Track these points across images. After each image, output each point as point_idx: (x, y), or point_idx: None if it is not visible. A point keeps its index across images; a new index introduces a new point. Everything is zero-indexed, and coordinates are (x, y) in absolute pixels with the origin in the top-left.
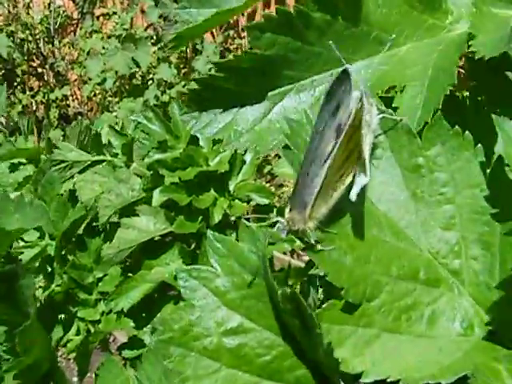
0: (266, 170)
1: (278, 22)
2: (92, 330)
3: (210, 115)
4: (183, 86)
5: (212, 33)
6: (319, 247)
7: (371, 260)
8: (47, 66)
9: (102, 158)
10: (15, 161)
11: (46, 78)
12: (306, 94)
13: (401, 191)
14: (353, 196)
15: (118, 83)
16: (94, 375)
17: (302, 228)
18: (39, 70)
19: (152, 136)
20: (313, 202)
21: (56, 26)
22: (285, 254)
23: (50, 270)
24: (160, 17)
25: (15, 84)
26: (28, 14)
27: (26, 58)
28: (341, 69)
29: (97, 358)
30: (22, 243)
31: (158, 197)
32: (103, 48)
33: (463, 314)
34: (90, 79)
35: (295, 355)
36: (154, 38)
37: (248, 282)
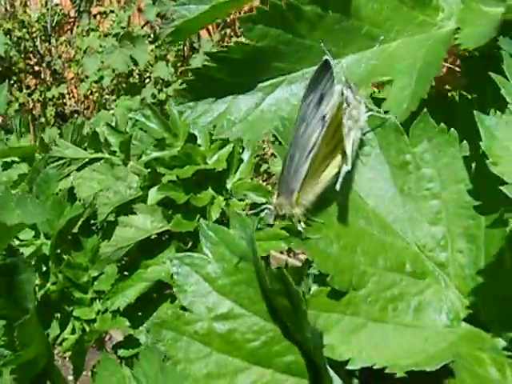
0: (262, 169)
1: (269, 15)
2: (87, 329)
3: (204, 105)
4: (180, 85)
5: (209, 31)
6: (306, 235)
7: (358, 251)
8: (44, 64)
9: (99, 155)
10: (8, 159)
11: (42, 76)
12: (298, 86)
13: (389, 187)
14: (337, 185)
15: (115, 81)
16: (90, 373)
17: (288, 213)
18: (36, 68)
19: (150, 134)
20: (299, 188)
21: (53, 25)
22: (282, 253)
23: (45, 268)
24: (158, 15)
25: (12, 82)
26: (25, 12)
27: (22, 56)
28: (322, 60)
29: (93, 356)
30: (17, 242)
31: (154, 195)
32: (100, 46)
33: (449, 305)
34: (87, 77)
35: (285, 341)
36: (152, 36)
37: (239, 269)
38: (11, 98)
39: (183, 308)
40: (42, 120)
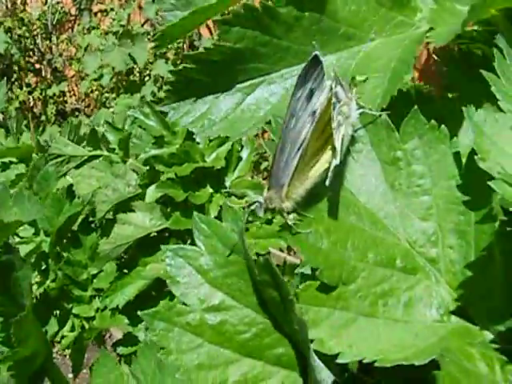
0: (262, 167)
1: (245, 17)
2: (87, 327)
3: (186, 106)
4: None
5: (210, 29)
6: (296, 230)
7: (348, 246)
8: (45, 62)
9: (98, 152)
10: (6, 160)
11: (43, 74)
12: (277, 86)
13: (380, 183)
14: (327, 181)
15: (114, 79)
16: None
17: (278, 207)
18: (37, 65)
19: (148, 132)
20: (289, 182)
21: (54, 22)
22: (282, 250)
23: (44, 266)
24: (157, 13)
25: (12, 80)
26: (25, 10)
27: (23, 54)
28: (312, 55)
29: (93, 354)
30: (17, 239)
31: (153, 192)
32: (101, 44)
33: (440, 300)
34: (87, 75)
35: (275, 333)
36: (151, 33)
37: (230, 261)
38: (12, 96)
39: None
40: (43, 118)
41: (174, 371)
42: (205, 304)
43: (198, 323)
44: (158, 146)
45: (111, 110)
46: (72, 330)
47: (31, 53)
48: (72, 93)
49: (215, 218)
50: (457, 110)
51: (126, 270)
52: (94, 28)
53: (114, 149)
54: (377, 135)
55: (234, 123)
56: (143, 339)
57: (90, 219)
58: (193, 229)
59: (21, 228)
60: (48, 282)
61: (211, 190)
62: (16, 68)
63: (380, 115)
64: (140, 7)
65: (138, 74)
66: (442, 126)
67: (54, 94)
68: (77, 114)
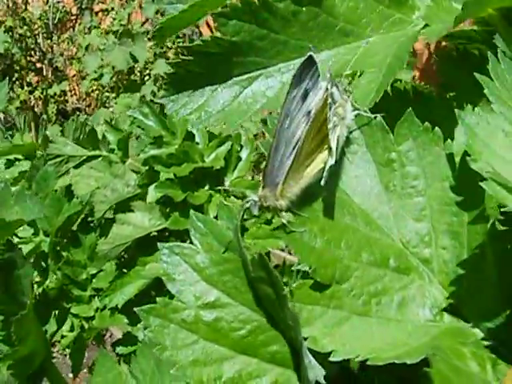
0: (262, 167)
1: (242, 11)
2: (86, 327)
3: (184, 97)
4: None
5: (210, 28)
6: (291, 228)
7: (342, 246)
8: (46, 62)
9: (97, 153)
10: (11, 157)
11: (44, 73)
12: (274, 80)
13: (375, 184)
14: (322, 181)
15: (115, 79)
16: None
17: (273, 205)
18: (38, 65)
19: (148, 132)
20: (283, 181)
21: (55, 22)
22: (282, 250)
23: (44, 266)
24: (157, 12)
25: (13, 79)
26: (26, 9)
27: (24, 53)
28: (306, 55)
29: (93, 353)
30: (16, 239)
31: (152, 193)
32: (103, 44)
33: (433, 300)
34: (87, 74)
35: (270, 331)
36: (151, 33)
37: (226, 259)
38: (13, 96)
39: (170, 295)
40: (44, 117)
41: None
42: (200, 301)
43: (194, 320)
44: (156, 147)
45: (111, 109)
46: (71, 329)
47: (32, 52)
48: (73, 92)
49: (214, 217)
50: (454, 109)
51: (125, 270)
52: (95, 27)
53: (114, 149)
54: (372, 137)
55: (230, 115)
56: (142, 339)
57: (89, 219)
58: (189, 227)
59: (20, 228)
60: (47, 281)
61: (210, 191)
62: (17, 67)
63: (375, 117)
64: (141, 6)
65: (138, 74)
66: (436, 128)
67: (55, 94)
68: (78, 113)
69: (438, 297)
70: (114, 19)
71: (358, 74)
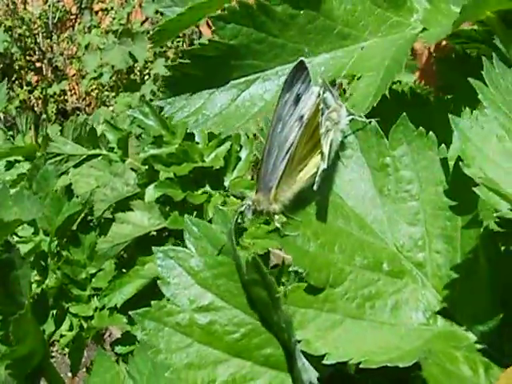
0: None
1: (240, 14)
2: (85, 326)
3: (182, 100)
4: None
5: (210, 27)
6: (284, 232)
7: (335, 249)
8: (45, 61)
9: (97, 152)
10: (11, 158)
11: (44, 72)
12: (271, 83)
13: (369, 188)
14: (315, 186)
15: (114, 78)
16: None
17: (266, 209)
18: (37, 64)
19: (147, 131)
20: (277, 185)
21: (54, 21)
22: (282, 249)
23: (43, 265)
24: (157, 12)
25: (13, 79)
26: (25, 9)
27: (24, 52)
28: (297, 60)
29: (92, 353)
30: (16, 238)
31: (152, 192)
32: (101, 43)
33: (426, 304)
34: (87, 74)
35: (264, 334)
36: (151, 32)
37: (220, 262)
38: (12, 95)
39: (165, 299)
40: (43, 117)
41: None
42: (195, 304)
43: (188, 323)
44: (156, 146)
45: (111, 108)
46: (70, 329)
47: (32, 51)
48: (73, 91)
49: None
50: (451, 111)
51: (124, 270)
52: (94, 27)
53: (113, 148)
54: (366, 141)
55: (228, 119)
56: (140, 338)
57: (89, 218)
58: (183, 231)
59: (20, 227)
60: (47, 281)
61: (210, 190)
62: (17, 67)
63: (370, 122)
64: (140, 6)
65: (138, 73)
66: (430, 132)
67: (55, 93)
68: (77, 112)
69: (431, 300)
70: (114, 18)
71: (356, 77)
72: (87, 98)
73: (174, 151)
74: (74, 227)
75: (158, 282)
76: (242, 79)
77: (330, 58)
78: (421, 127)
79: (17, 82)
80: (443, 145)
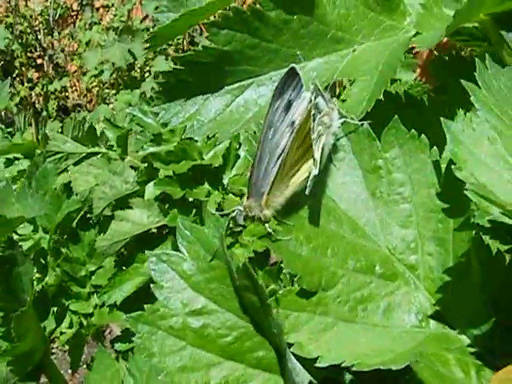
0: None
1: (233, 20)
2: (85, 323)
3: (176, 106)
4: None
5: None
6: (276, 237)
7: (328, 253)
8: (46, 58)
9: (96, 150)
10: (11, 156)
11: (45, 69)
12: (265, 88)
13: (361, 191)
14: (307, 190)
15: (115, 75)
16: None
17: (257, 215)
18: (38, 61)
19: (147, 129)
20: (268, 191)
21: (56, 18)
22: None
23: (43, 262)
24: (157, 8)
25: (14, 75)
26: (26, 5)
27: (25, 49)
28: (289, 67)
29: (93, 350)
30: (16, 236)
31: (151, 190)
32: (102, 40)
33: (418, 307)
34: (88, 71)
35: (256, 337)
36: (151, 29)
37: (212, 266)
38: (13, 92)
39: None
40: (44, 113)
41: None
42: (187, 308)
43: (181, 327)
44: (155, 144)
45: (111, 106)
46: (70, 326)
47: (33, 48)
48: (74, 88)
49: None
50: (446, 113)
51: (124, 267)
52: (95, 23)
53: (113, 146)
54: (358, 144)
55: (222, 124)
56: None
57: (88, 216)
58: (176, 235)
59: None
60: (47, 278)
61: (209, 188)
62: (17, 64)
63: (362, 124)
64: (141, 3)
65: (138, 70)
66: (422, 135)
67: (56, 90)
68: (78, 109)
69: (423, 303)
70: (115, 15)
71: (350, 82)
72: (88, 95)
73: (173, 149)
74: (74, 225)
75: (152, 285)
76: (236, 85)
77: (324, 62)
78: (413, 130)
79: (18, 78)
80: (435, 147)
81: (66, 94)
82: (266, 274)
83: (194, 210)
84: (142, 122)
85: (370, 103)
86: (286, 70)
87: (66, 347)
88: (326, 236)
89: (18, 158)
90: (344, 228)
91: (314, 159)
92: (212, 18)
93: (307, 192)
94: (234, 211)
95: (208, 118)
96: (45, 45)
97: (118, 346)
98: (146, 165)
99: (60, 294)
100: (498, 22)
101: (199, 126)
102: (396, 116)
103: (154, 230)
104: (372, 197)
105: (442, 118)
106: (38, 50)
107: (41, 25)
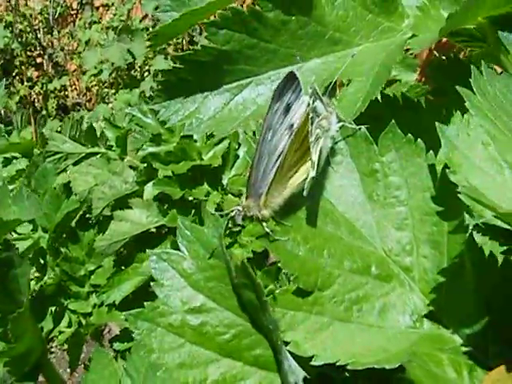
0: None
1: (232, 20)
2: (83, 323)
3: (176, 104)
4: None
5: None
6: (274, 237)
7: (325, 254)
8: (46, 57)
9: (96, 150)
10: (8, 155)
11: (44, 68)
12: (264, 87)
13: (358, 194)
14: (304, 192)
15: (114, 75)
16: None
17: (256, 215)
18: (38, 60)
19: (146, 129)
20: (267, 192)
21: (55, 17)
22: None
23: (42, 262)
24: (156, 8)
25: (13, 74)
26: (26, 4)
27: (24, 48)
28: (288, 70)
29: (92, 349)
30: (15, 235)
31: (150, 190)
32: (101, 39)
33: (413, 307)
34: (88, 70)
35: (254, 335)
36: (151, 29)
37: (211, 265)
38: (13, 91)
39: (158, 300)
40: (44, 112)
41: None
42: (187, 306)
43: (180, 324)
44: (155, 144)
45: (110, 105)
46: (69, 325)
47: (32, 47)
48: (73, 87)
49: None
50: (443, 116)
51: (123, 267)
52: (95, 22)
53: (112, 146)
54: (356, 148)
55: (221, 122)
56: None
57: (87, 216)
58: (177, 234)
59: None
60: (46, 278)
61: (208, 188)
62: (17, 62)
63: (359, 128)
64: (141, 2)
65: (137, 70)
66: (419, 139)
67: (55, 89)
68: (78, 108)
69: (418, 304)
70: (115, 15)
71: (346, 82)
72: (88, 94)
73: (172, 149)
74: (73, 225)
75: (152, 283)
76: (235, 83)
77: (322, 63)
78: (409, 134)
79: (17, 77)
80: (431, 151)
81: (66, 92)
82: (264, 274)
83: (193, 210)
84: (142, 122)
85: (365, 104)
86: (284, 69)
87: (65, 346)
88: (323, 237)
89: (16, 157)
90: (341, 230)
91: (312, 161)
92: (212, 18)
93: (305, 193)
94: (232, 211)
95: (207, 116)
96: (44, 44)
97: (117, 345)
98: (145, 165)
99: (59, 294)
100: (495, 24)
101: (198, 123)
102: (393, 120)
103: (153, 230)
104: (369, 199)
105: (436, 123)
106: (38, 48)
107: (40, 24)
